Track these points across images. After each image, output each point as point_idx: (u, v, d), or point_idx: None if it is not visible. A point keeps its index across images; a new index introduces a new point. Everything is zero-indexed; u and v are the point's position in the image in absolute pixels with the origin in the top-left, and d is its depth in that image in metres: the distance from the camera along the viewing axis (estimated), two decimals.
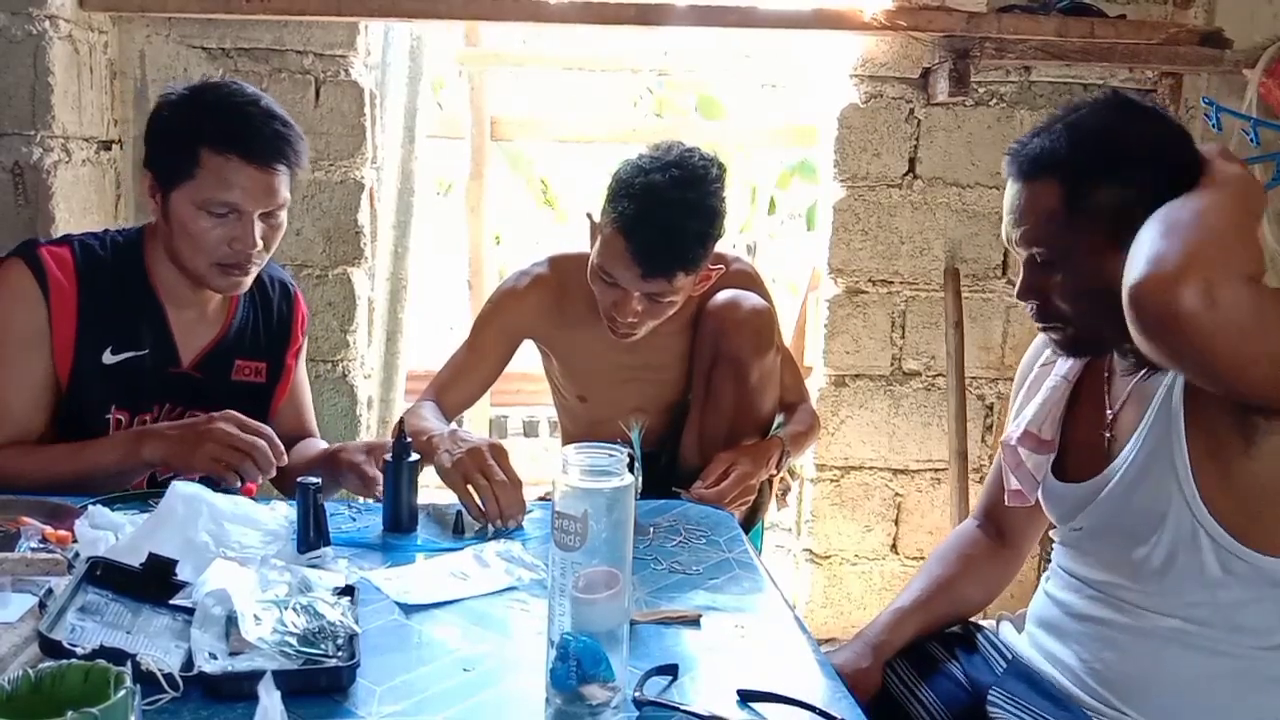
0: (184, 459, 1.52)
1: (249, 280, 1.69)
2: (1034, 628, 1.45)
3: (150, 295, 1.70)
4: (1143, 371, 1.31)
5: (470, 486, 1.49)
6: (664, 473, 1.88)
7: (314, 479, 1.34)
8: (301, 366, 1.91)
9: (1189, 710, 1.24)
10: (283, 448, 1.54)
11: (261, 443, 1.51)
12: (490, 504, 1.47)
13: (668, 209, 1.69)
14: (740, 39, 3.18)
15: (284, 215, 1.67)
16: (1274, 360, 1.04)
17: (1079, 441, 1.40)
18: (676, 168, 1.72)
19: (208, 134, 1.60)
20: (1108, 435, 1.34)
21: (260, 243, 1.63)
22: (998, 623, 1.55)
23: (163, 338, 1.71)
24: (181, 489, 1.32)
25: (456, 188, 6.00)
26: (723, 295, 1.90)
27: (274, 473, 1.53)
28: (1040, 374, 1.48)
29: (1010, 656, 1.44)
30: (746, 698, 1.05)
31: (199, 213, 1.60)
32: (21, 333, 1.62)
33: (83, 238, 1.71)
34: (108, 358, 1.66)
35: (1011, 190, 1.28)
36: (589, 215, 1.86)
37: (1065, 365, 1.43)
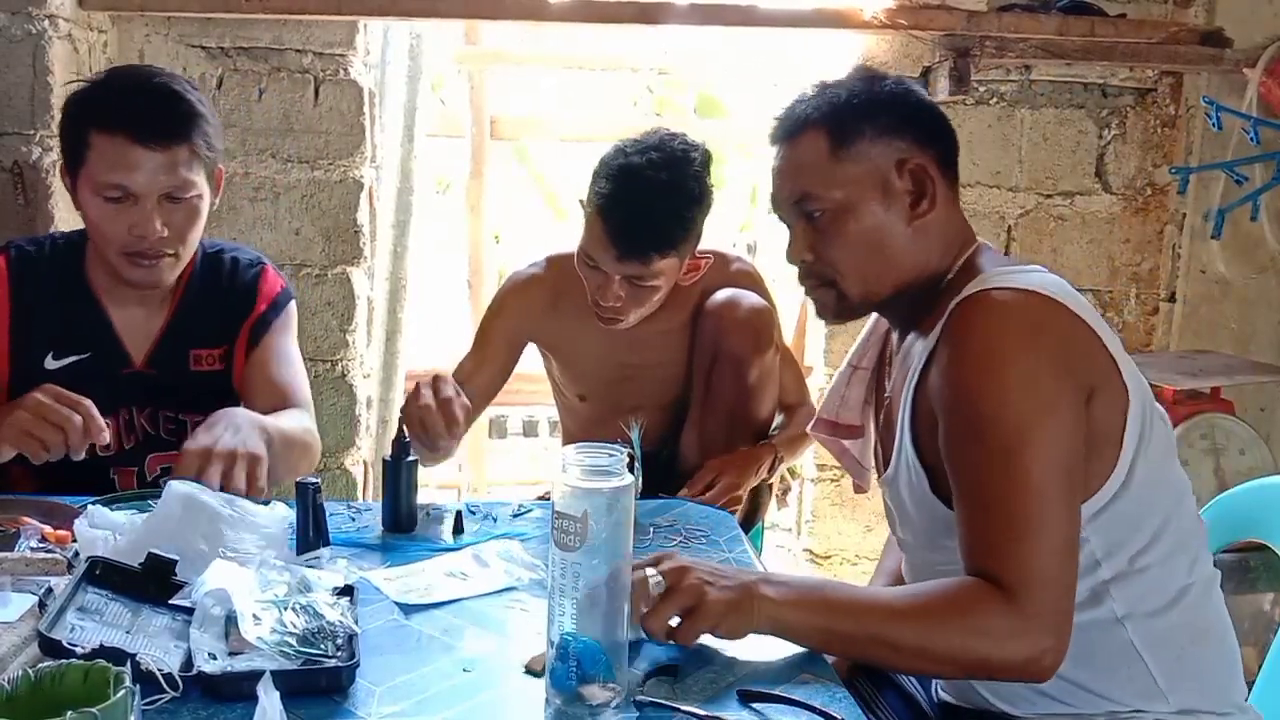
0: None
1: (168, 271, 1.60)
2: None
3: (89, 297, 1.65)
4: (903, 344, 1.34)
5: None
6: (664, 472, 1.88)
7: (313, 479, 1.34)
8: (279, 339, 1.74)
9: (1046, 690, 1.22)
10: (103, 423, 1.42)
11: (76, 416, 1.39)
12: (414, 428, 1.49)
13: (642, 189, 1.71)
14: (740, 37, 3.17)
15: (197, 200, 1.57)
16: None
17: (879, 429, 1.44)
18: (655, 150, 1.75)
19: (96, 114, 1.53)
20: (881, 416, 1.38)
21: (164, 230, 1.54)
22: None
23: (107, 339, 1.65)
24: (179, 489, 1.32)
25: (455, 187, 5.99)
26: (722, 294, 1.90)
27: (104, 439, 1.43)
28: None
29: None
30: (746, 698, 1.05)
31: (95, 198, 1.54)
32: None
33: (22, 242, 1.67)
34: (50, 363, 1.61)
35: (777, 155, 1.33)
36: (580, 202, 1.87)
37: (852, 351, 1.48)
